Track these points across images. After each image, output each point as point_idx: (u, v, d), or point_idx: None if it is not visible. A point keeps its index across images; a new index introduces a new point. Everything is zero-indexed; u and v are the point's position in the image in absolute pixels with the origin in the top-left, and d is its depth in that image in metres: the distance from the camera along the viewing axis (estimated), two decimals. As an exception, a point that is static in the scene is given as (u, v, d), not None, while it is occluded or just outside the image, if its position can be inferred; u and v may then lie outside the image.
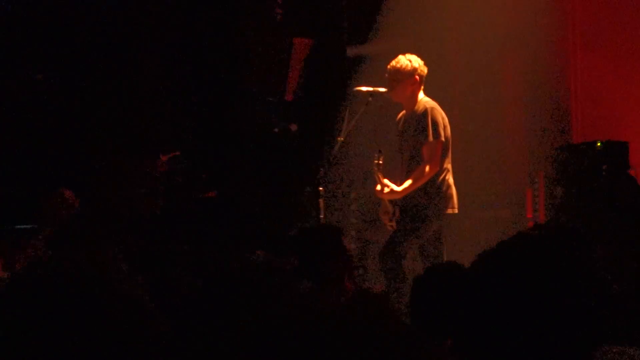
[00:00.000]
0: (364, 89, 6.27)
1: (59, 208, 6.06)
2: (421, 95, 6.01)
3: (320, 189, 6.51)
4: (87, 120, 7.27)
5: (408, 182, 5.85)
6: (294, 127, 7.94)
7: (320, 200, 6.48)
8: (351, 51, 8.29)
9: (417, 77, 5.93)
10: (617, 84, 7.80)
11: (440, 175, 5.88)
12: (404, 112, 6.11)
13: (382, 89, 6.20)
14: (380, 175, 5.93)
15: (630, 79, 7.73)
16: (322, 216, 6.51)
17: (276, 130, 7.79)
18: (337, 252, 3.84)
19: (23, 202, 7.26)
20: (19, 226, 6.98)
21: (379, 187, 5.98)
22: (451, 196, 5.97)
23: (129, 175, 7.24)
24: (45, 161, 7.35)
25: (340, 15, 8.22)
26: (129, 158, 7.28)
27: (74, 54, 7.56)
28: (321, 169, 6.74)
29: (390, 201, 6.06)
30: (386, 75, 6.05)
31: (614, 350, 1.89)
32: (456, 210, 6.06)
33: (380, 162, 5.91)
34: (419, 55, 6.18)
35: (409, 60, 5.96)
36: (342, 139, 6.47)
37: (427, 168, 5.79)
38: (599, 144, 7.06)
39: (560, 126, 8.00)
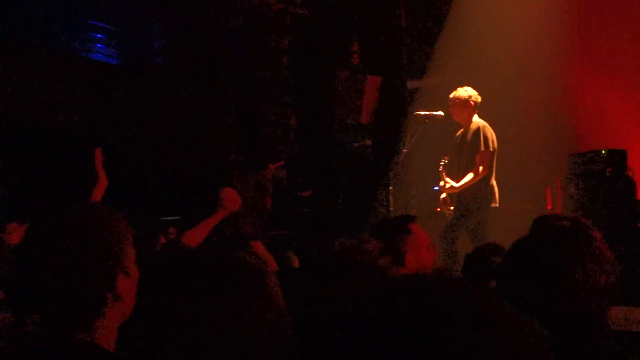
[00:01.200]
0: (422, 113, 6.46)
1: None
2: (475, 117, 6.13)
3: (390, 188, 6.81)
4: (224, 143, 7.60)
5: (464, 181, 5.99)
6: (368, 142, 8.07)
7: (390, 197, 6.78)
8: (411, 84, 8.41)
9: (471, 102, 6.10)
10: (616, 101, 7.87)
11: (488, 177, 6.01)
12: (462, 129, 6.20)
13: (437, 113, 6.35)
14: (444, 174, 6.07)
15: (629, 97, 7.82)
16: (391, 209, 6.77)
17: (356, 144, 7.97)
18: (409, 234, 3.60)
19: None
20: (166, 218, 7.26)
21: (442, 183, 6.11)
22: (494, 193, 6.07)
23: (249, 180, 7.14)
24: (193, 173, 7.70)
25: (401, 58, 8.27)
26: (250, 168, 7.39)
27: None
28: (390, 173, 7.03)
29: (449, 194, 6.21)
30: (449, 102, 6.16)
31: (619, 309, 1.85)
32: (497, 205, 6.14)
33: (446, 163, 6.07)
34: (463, 85, 6.29)
35: (466, 91, 6.14)
36: (406, 150, 6.69)
37: (479, 170, 5.92)
38: (603, 152, 7.18)
39: (571, 137, 8.00)
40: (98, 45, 8.04)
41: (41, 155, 7.17)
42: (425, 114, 6.43)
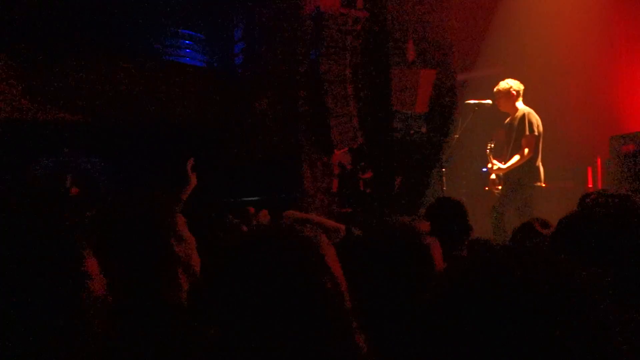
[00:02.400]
0: (472, 102, 6.24)
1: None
2: (520, 104, 5.94)
3: (444, 169, 6.60)
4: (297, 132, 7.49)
5: (511, 162, 5.83)
6: (424, 130, 7.92)
7: (444, 178, 6.57)
8: (461, 76, 8.32)
9: (513, 92, 5.93)
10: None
11: (533, 158, 5.82)
12: (509, 117, 6.02)
13: (486, 101, 6.12)
14: (491, 157, 5.95)
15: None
16: (444, 188, 6.56)
17: (412, 132, 7.83)
18: (460, 216, 3.53)
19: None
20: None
21: (489, 165, 5.98)
22: (540, 173, 5.87)
23: (317, 164, 7.43)
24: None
25: (451, 53, 8.23)
26: (319, 154, 7.50)
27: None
28: (443, 157, 6.84)
29: (497, 175, 6.03)
30: (494, 95, 6.05)
31: None
32: (543, 184, 5.91)
33: (493, 146, 5.94)
34: (509, 77, 6.10)
35: (507, 83, 5.99)
36: (457, 136, 6.49)
37: (525, 152, 5.75)
38: None
39: (612, 119, 7.71)
40: (187, 50, 8.13)
41: (143, 152, 7.29)
42: (475, 103, 6.21)
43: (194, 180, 3.64)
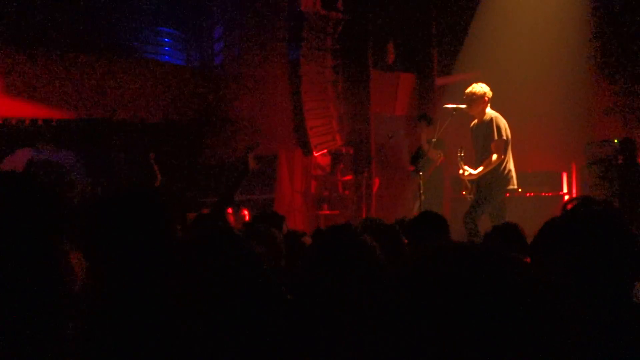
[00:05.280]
0: (450, 106, 6.17)
1: None
2: (488, 109, 5.90)
3: (421, 173, 6.51)
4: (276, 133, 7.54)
5: (481, 168, 5.83)
6: (402, 133, 7.93)
7: (420, 181, 6.46)
8: (440, 81, 8.32)
9: (485, 98, 5.88)
10: (622, 97, 7.73)
11: (503, 162, 5.80)
12: (476, 121, 5.98)
13: (463, 106, 6.02)
14: (462, 163, 5.89)
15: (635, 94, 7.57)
16: (421, 192, 6.43)
17: (390, 135, 7.63)
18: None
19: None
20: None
21: (461, 171, 5.92)
22: (511, 177, 5.84)
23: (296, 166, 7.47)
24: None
25: (431, 57, 8.21)
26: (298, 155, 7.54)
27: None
28: (421, 160, 6.77)
29: (469, 180, 5.99)
30: (464, 97, 5.96)
31: None
32: (515, 186, 5.86)
33: (463, 154, 5.89)
34: (486, 81, 6.06)
35: (481, 87, 5.92)
36: (434, 139, 6.49)
37: (494, 157, 5.75)
38: (616, 141, 6.91)
39: (586, 127, 7.81)
40: (167, 48, 8.15)
41: (118, 148, 7.29)
42: (453, 107, 6.16)
43: (159, 178, 3.63)
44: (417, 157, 7.16)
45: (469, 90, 5.97)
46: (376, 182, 7.85)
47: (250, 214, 6.47)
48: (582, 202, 1.72)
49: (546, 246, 1.57)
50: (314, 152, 7.54)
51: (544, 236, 1.61)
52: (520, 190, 6.09)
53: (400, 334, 0.72)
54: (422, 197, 6.46)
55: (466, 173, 5.96)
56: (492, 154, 5.79)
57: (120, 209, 1.51)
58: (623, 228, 1.55)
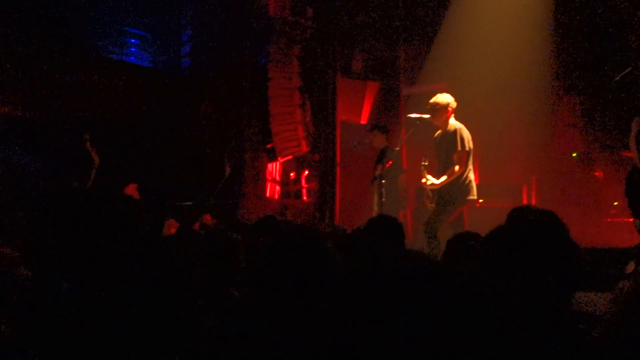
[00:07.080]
0: (414, 115, 6.20)
1: None
2: (452, 120, 5.96)
3: (383, 181, 6.58)
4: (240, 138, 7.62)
5: (443, 178, 5.88)
6: (366, 141, 7.59)
7: (383, 190, 6.53)
8: (405, 90, 8.39)
9: (449, 108, 5.94)
10: (583, 112, 7.87)
11: (465, 173, 5.88)
12: (439, 131, 6.03)
13: (427, 116, 6.08)
14: (425, 173, 5.95)
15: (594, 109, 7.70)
16: (383, 199, 6.52)
17: (355, 143, 7.67)
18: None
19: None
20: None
21: (423, 180, 5.97)
22: (472, 187, 5.92)
23: (260, 171, 7.54)
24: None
25: (397, 67, 8.26)
26: (262, 160, 7.63)
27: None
28: (382, 168, 6.79)
29: (431, 190, 6.08)
30: (428, 107, 5.99)
31: (583, 294, 1.77)
32: (475, 197, 5.95)
33: (426, 163, 5.93)
34: (451, 93, 6.11)
35: (445, 97, 5.97)
36: (398, 148, 6.64)
37: (456, 168, 5.81)
38: (574, 154, 7.23)
39: (545, 142, 7.97)
40: (133, 49, 8.10)
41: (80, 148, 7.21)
42: (417, 117, 6.21)
43: (96, 159, 3.57)
44: (378, 162, 7.18)
45: (433, 100, 6.03)
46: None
47: (212, 219, 6.41)
48: (522, 212, 1.83)
49: (490, 254, 1.62)
50: (279, 158, 7.57)
51: (487, 245, 1.66)
52: (481, 200, 6.20)
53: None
54: (383, 204, 6.50)
55: (429, 182, 6.02)
56: (455, 164, 5.83)
57: (59, 212, 1.51)
58: (560, 237, 1.58)
